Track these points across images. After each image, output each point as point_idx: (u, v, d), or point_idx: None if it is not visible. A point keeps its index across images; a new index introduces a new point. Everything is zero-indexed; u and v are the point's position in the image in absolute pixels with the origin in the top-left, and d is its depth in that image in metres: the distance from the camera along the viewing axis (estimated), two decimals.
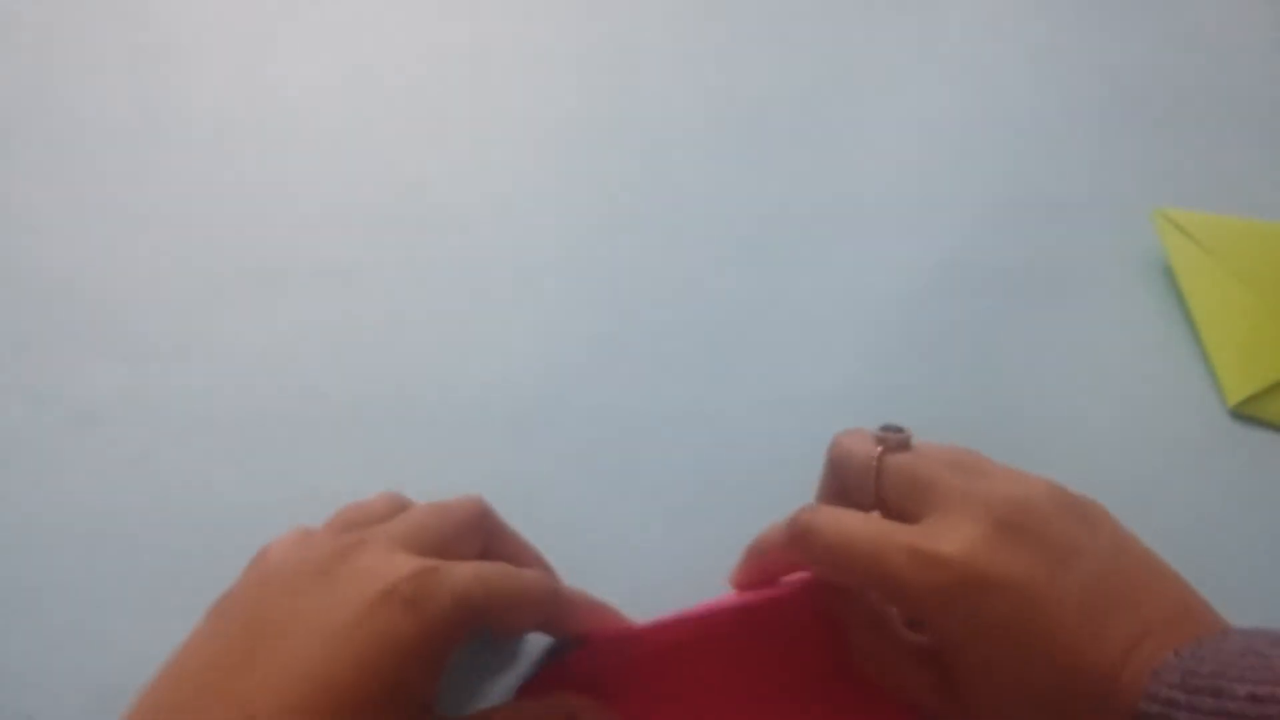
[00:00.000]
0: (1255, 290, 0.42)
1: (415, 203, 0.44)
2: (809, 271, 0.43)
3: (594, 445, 0.37)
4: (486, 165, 0.46)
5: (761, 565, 0.31)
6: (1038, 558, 0.24)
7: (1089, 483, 0.37)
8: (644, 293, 0.42)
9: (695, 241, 0.44)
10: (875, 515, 0.28)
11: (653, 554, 0.34)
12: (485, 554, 0.28)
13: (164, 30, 0.50)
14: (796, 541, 0.27)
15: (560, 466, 0.36)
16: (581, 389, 0.38)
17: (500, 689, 0.30)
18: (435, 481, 0.36)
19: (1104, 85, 0.52)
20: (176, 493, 0.35)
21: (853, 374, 0.40)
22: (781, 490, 0.36)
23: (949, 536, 0.25)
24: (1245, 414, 0.39)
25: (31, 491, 0.35)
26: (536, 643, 0.31)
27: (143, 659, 0.31)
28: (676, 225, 0.44)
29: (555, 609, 0.27)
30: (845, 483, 0.30)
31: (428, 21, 0.52)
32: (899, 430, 0.29)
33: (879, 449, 0.28)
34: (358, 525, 0.27)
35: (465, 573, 0.24)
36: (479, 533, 0.28)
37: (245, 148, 0.45)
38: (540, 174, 0.46)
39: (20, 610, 0.32)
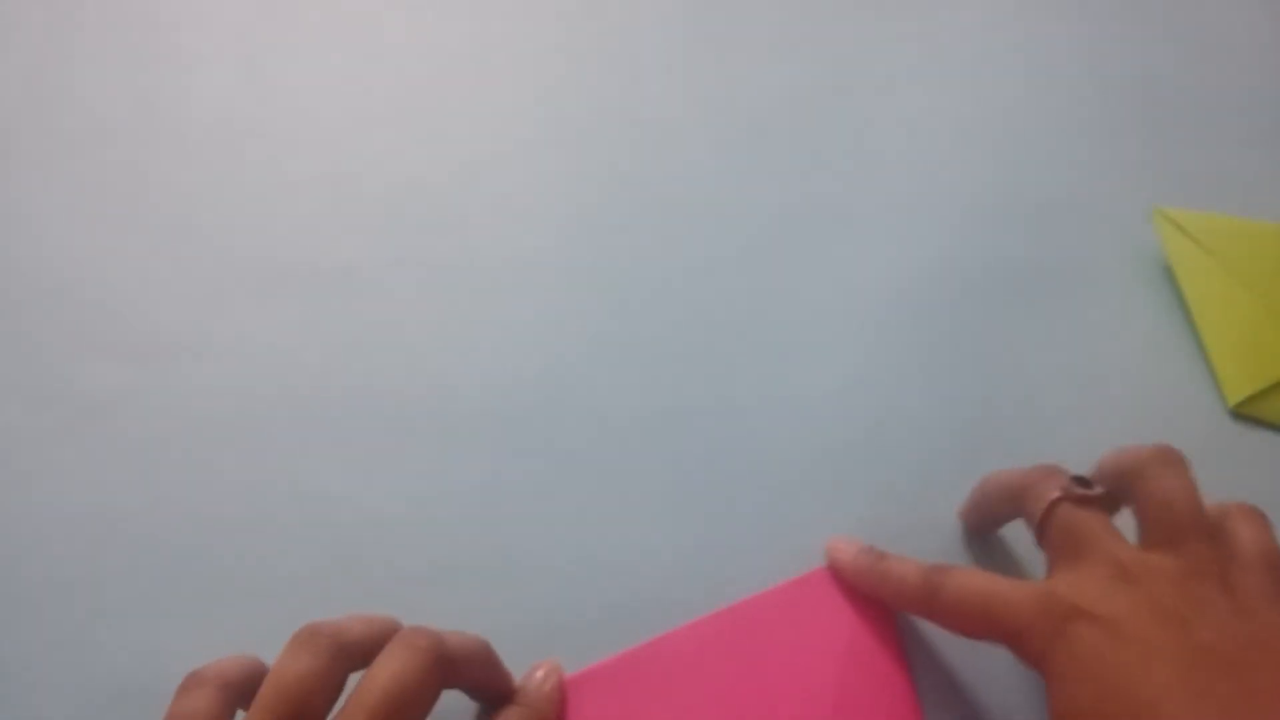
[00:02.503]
0: (1255, 290, 0.42)
1: (415, 203, 0.44)
2: (809, 270, 0.43)
3: (594, 445, 0.37)
4: (486, 165, 0.46)
5: (871, 586, 0.31)
6: (1145, 608, 0.24)
7: None
8: (644, 293, 0.42)
9: (695, 241, 0.44)
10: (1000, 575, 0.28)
11: (653, 554, 0.34)
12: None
13: (164, 30, 0.50)
14: (927, 597, 0.28)
15: (561, 466, 0.36)
16: (581, 389, 0.38)
17: None
18: (436, 482, 0.36)
19: (1103, 84, 0.52)
20: (177, 493, 0.35)
21: (853, 373, 0.40)
22: (782, 489, 0.36)
23: (1064, 579, 0.25)
24: (1245, 414, 0.39)
25: (32, 491, 0.35)
26: None
27: (143, 659, 0.32)
28: (676, 225, 0.44)
29: None
30: (1018, 511, 0.30)
31: (428, 21, 0.52)
32: (1089, 486, 0.28)
33: (1054, 494, 0.28)
34: (299, 711, 0.24)
35: None
36: (440, 688, 0.26)
37: (246, 147, 0.45)
38: (540, 174, 0.46)
39: (20, 610, 0.32)
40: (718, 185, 0.46)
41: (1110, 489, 0.28)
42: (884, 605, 0.32)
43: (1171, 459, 0.27)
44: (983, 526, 0.35)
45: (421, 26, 0.52)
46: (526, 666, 0.31)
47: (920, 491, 0.36)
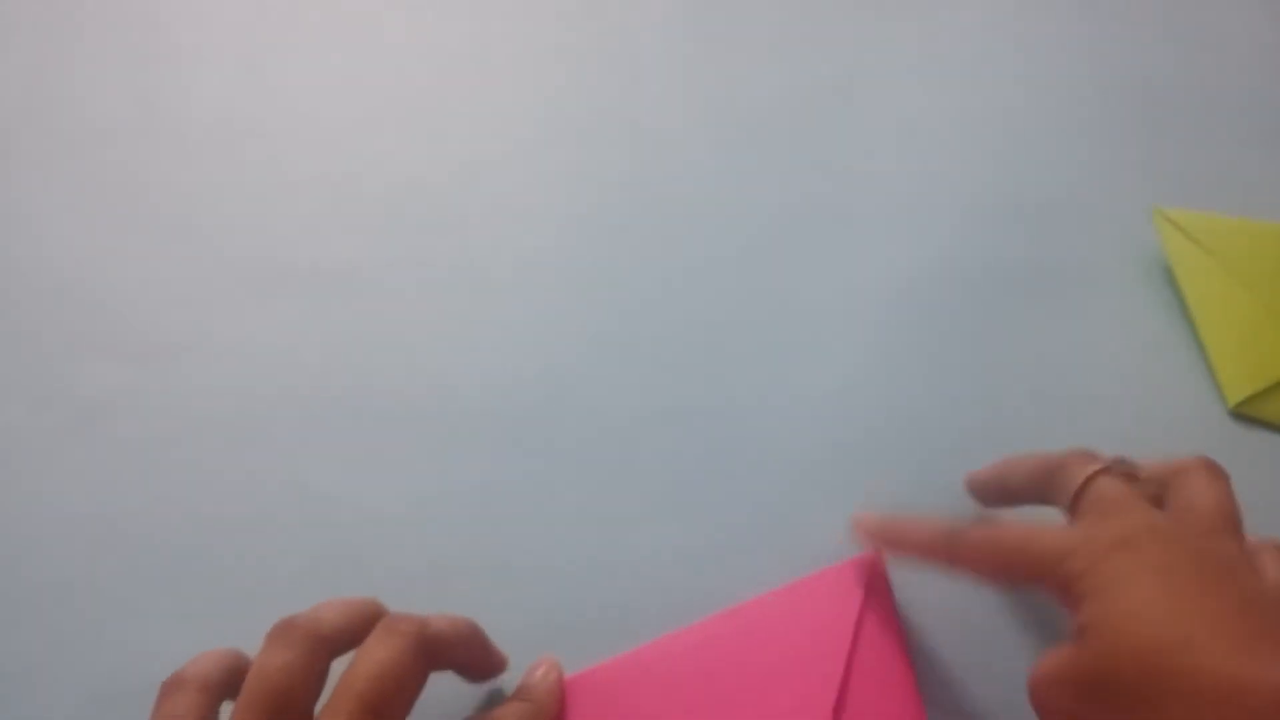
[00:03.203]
0: (1255, 290, 0.42)
1: (415, 203, 0.44)
2: (809, 270, 0.43)
3: (594, 445, 0.37)
4: (486, 165, 0.46)
5: (893, 538, 0.31)
6: (1182, 556, 0.24)
7: None
8: (644, 293, 0.42)
9: (695, 241, 0.44)
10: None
11: (653, 554, 0.34)
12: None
13: (164, 30, 0.50)
14: (953, 541, 0.28)
15: (561, 466, 0.36)
16: (581, 388, 0.38)
17: None
18: (436, 482, 0.36)
19: (1103, 84, 0.52)
20: (176, 493, 0.35)
21: (853, 373, 0.40)
22: (782, 489, 0.36)
23: (1100, 524, 0.25)
24: (1245, 414, 0.39)
25: (32, 491, 0.35)
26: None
27: (143, 659, 0.32)
28: (676, 225, 0.44)
29: None
30: (1045, 489, 0.30)
31: (428, 21, 0.52)
32: (1133, 468, 0.28)
33: (1096, 467, 0.28)
34: (284, 705, 0.24)
35: None
36: (426, 671, 0.26)
37: (246, 147, 0.45)
38: (539, 174, 0.46)
39: (20, 610, 0.32)
40: (718, 185, 0.46)
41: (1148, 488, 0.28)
42: (887, 610, 0.32)
43: (1215, 470, 0.27)
44: (991, 502, 0.34)
45: (421, 26, 0.52)
46: (527, 667, 0.31)
47: (920, 491, 0.36)
